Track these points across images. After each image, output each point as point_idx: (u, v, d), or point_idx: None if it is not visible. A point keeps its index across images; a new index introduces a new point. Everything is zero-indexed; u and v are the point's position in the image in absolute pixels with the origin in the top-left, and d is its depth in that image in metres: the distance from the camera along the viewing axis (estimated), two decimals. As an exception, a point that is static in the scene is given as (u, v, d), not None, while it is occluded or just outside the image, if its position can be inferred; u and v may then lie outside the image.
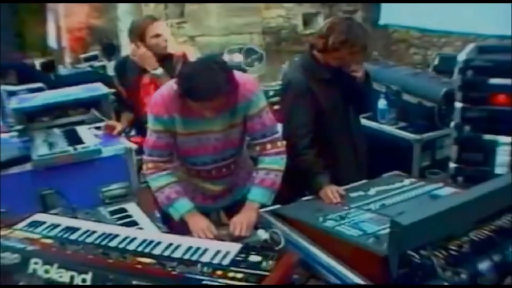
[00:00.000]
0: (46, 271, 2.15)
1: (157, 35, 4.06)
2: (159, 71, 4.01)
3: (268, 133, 3.03)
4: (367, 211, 2.66)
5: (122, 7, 13.34)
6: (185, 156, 3.12)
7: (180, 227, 2.98)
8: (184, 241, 2.37)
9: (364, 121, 4.95)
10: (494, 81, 4.09)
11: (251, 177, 3.19)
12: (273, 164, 3.03)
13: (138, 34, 4.10)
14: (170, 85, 2.93)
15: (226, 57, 7.01)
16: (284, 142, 3.10)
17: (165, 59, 4.09)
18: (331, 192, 3.06)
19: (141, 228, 2.84)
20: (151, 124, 2.98)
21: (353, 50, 3.33)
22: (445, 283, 1.99)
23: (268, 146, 3.03)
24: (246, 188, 3.22)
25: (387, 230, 2.11)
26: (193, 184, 3.24)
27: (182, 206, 2.99)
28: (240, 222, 2.88)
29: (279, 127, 3.24)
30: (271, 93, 5.94)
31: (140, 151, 3.73)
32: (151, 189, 3.09)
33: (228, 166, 3.17)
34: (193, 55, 4.14)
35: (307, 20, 9.93)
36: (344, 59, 3.39)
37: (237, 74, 2.84)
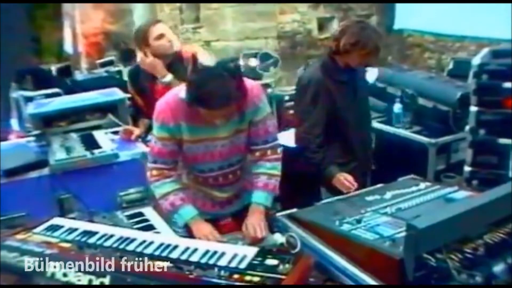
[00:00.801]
0: (65, 275, 2.17)
1: (160, 36, 4.03)
2: (168, 78, 4.00)
3: (270, 139, 3.06)
4: (383, 215, 2.65)
5: (137, 12, 13.41)
6: (193, 163, 3.11)
7: None
8: (201, 245, 2.39)
9: (379, 125, 4.98)
10: (508, 85, 4.08)
11: None
12: (274, 170, 3.07)
13: (141, 38, 4.07)
14: (175, 92, 2.94)
15: (241, 62, 7.02)
16: (281, 149, 3.13)
17: (174, 63, 4.08)
18: (345, 178, 3.29)
19: (158, 232, 2.86)
20: (156, 132, 2.97)
21: (364, 52, 3.49)
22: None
23: (269, 152, 3.07)
24: None
25: (403, 234, 2.12)
26: (201, 191, 3.23)
27: (187, 213, 2.98)
28: (258, 224, 2.89)
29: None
30: (286, 97, 5.95)
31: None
32: (155, 196, 3.08)
33: (235, 172, 3.16)
34: (203, 55, 4.12)
35: (322, 24, 9.92)
36: (357, 61, 3.56)
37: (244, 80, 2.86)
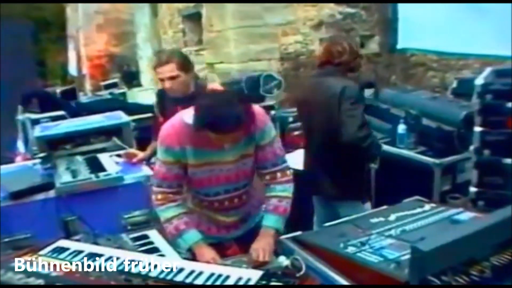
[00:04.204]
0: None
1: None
2: None
3: (279, 162, 3.07)
4: (387, 237, 2.65)
5: (141, 35, 13.50)
6: (198, 187, 3.12)
7: None
8: (206, 268, 2.39)
9: (383, 146, 4.98)
10: (512, 104, 4.08)
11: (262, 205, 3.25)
12: (284, 192, 3.07)
13: None
14: (180, 116, 2.96)
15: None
16: (291, 171, 3.14)
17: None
18: None
19: (162, 255, 2.86)
20: (161, 156, 2.98)
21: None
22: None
23: (279, 175, 3.07)
24: (258, 216, 3.27)
25: (408, 256, 2.11)
26: (206, 215, 3.24)
27: (191, 237, 2.99)
28: (263, 248, 2.87)
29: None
30: (290, 119, 5.95)
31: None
32: (160, 219, 3.09)
33: (240, 196, 3.16)
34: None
35: (325, 45, 9.94)
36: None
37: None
